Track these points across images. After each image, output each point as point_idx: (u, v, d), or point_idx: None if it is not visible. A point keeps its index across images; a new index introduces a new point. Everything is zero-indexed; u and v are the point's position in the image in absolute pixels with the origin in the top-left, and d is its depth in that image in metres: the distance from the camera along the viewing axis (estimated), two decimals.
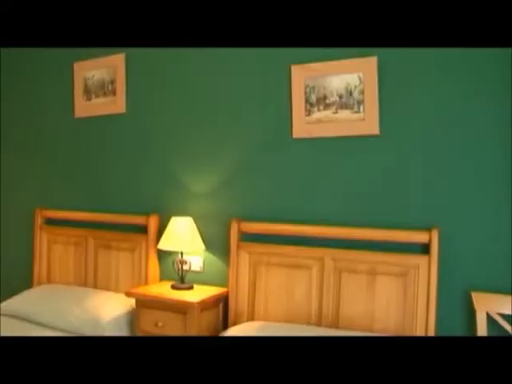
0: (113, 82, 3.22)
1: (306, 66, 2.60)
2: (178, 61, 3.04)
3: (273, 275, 2.61)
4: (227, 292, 2.75)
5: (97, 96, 3.31)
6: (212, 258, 2.89)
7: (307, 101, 2.61)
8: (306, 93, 2.61)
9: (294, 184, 2.67)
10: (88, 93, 3.36)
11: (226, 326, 2.74)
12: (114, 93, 3.23)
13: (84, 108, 3.39)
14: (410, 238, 2.30)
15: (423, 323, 2.26)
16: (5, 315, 3.13)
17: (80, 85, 3.39)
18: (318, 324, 2.49)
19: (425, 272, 2.27)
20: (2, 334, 2.75)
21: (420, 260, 2.28)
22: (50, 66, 3.63)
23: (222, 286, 2.83)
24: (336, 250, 2.46)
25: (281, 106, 2.70)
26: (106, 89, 3.26)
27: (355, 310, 2.42)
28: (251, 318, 2.67)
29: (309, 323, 2.51)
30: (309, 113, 2.61)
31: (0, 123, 3.96)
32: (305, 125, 2.62)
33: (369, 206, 2.47)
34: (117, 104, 3.22)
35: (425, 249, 2.33)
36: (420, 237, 2.28)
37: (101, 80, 3.28)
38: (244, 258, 2.69)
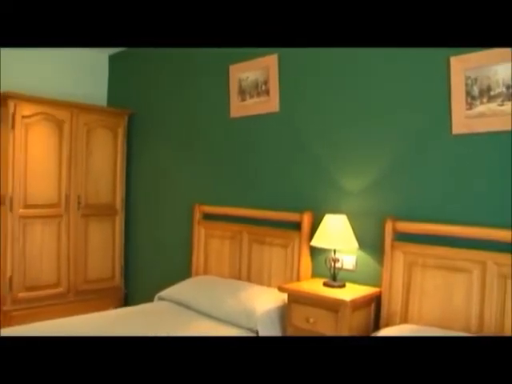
0: (266, 82, 3.47)
1: (466, 56, 2.54)
2: (330, 60, 3.17)
3: (429, 277, 2.62)
4: (380, 292, 2.81)
5: (251, 96, 3.60)
6: (365, 256, 2.98)
7: (468, 94, 2.56)
8: (466, 85, 2.56)
9: (452, 182, 2.64)
10: (243, 93, 3.66)
11: (377, 327, 2.78)
12: (267, 93, 3.48)
13: (239, 108, 3.71)
14: None
15: None
16: (167, 301, 3.56)
17: (235, 86, 3.70)
18: (479, 332, 2.43)
19: None
20: (165, 317, 3.16)
21: None
22: (208, 69, 4.02)
23: (374, 285, 2.89)
24: (499, 254, 2.39)
25: (438, 101, 2.68)
26: (259, 89, 3.53)
27: None
28: (404, 321, 2.70)
29: (468, 330, 2.46)
30: (470, 106, 2.55)
31: (162, 124, 4.47)
32: (465, 119, 2.58)
33: None
34: (270, 103, 3.47)
35: None
36: None
37: (254, 81, 3.56)
38: (398, 258, 2.73)
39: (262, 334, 2.86)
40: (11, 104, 3.99)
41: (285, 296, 2.94)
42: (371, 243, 2.95)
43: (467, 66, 2.55)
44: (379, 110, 2.94)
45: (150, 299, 3.80)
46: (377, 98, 2.95)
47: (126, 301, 4.80)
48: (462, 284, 2.50)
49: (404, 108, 2.84)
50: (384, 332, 2.50)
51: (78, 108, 4.43)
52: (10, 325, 3.77)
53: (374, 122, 2.97)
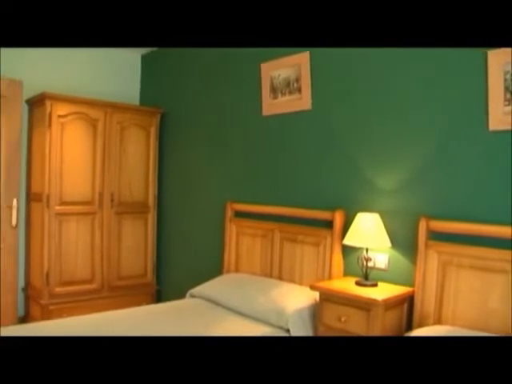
0: (298, 79, 3.47)
1: (505, 50, 2.48)
2: (363, 56, 3.14)
3: (464, 277, 2.57)
4: (413, 292, 2.77)
5: (283, 94, 3.60)
6: (397, 256, 2.95)
7: (507, 89, 2.49)
8: (505, 80, 2.50)
9: (489, 180, 2.58)
10: (274, 91, 3.66)
11: (409, 328, 2.75)
12: (299, 90, 3.47)
13: (271, 106, 3.72)
14: None
15: None
16: (199, 298, 3.60)
17: (267, 84, 3.71)
18: None
19: None
20: (197, 314, 3.20)
21: None
22: (239, 67, 4.04)
23: (406, 285, 2.86)
24: None
25: (474, 97, 2.62)
26: (291, 87, 3.53)
27: None
28: (438, 322, 2.66)
29: (505, 332, 2.40)
30: (508, 102, 2.49)
31: (194, 123, 4.51)
32: (503, 116, 2.52)
33: None
34: (302, 101, 3.46)
35: None
36: None
37: (286, 78, 3.56)
38: (432, 258, 2.69)
39: (293, 332, 2.86)
40: (48, 104, 4.10)
41: (316, 294, 2.94)
42: (404, 242, 2.91)
43: (506, 60, 2.49)
44: (413, 106, 2.90)
45: (181, 296, 3.85)
46: (411, 94, 2.91)
47: (158, 297, 4.87)
48: (499, 285, 2.45)
49: (439, 104, 2.78)
50: (417, 332, 2.47)
51: (111, 107, 4.51)
52: (48, 318, 3.88)
53: (407, 119, 2.93)
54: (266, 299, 3.11)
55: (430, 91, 2.82)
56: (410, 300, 2.79)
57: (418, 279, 2.74)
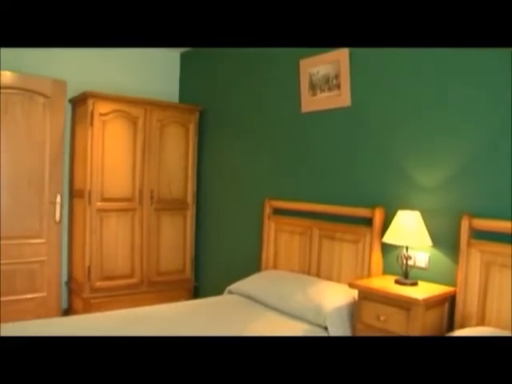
0: (337, 76, 3.46)
1: None
2: (403, 51, 3.10)
3: (508, 278, 2.51)
4: (454, 292, 2.73)
5: (322, 91, 3.59)
6: (438, 254, 2.91)
7: None
8: None
9: None
10: (313, 88, 3.66)
11: (450, 328, 2.71)
12: (338, 87, 3.46)
13: (310, 103, 3.72)
14: None
15: None
16: (237, 294, 3.64)
17: (306, 81, 3.72)
18: None
19: None
20: (235, 310, 3.23)
21: None
22: (278, 64, 4.06)
23: (447, 284, 2.82)
24: None
25: None
26: (330, 83, 3.52)
27: None
28: (481, 323, 2.61)
29: None
30: None
31: (233, 120, 4.55)
32: None
33: None
34: (341, 98, 3.45)
35: None
36: None
37: (325, 75, 3.55)
38: (475, 257, 2.65)
39: (331, 330, 2.87)
40: (90, 102, 4.22)
41: (355, 292, 2.93)
42: (445, 240, 2.87)
43: None
44: (457, 97, 2.84)
45: (219, 292, 3.89)
46: (454, 85, 2.85)
47: (196, 293, 4.95)
48: None
49: (484, 95, 2.71)
50: (459, 333, 2.43)
51: (151, 105, 4.60)
52: (89, 311, 4.00)
53: (450, 112, 2.87)
54: (304, 297, 3.12)
55: (477, 81, 2.75)
56: (451, 300, 2.75)
57: (460, 279, 2.70)
